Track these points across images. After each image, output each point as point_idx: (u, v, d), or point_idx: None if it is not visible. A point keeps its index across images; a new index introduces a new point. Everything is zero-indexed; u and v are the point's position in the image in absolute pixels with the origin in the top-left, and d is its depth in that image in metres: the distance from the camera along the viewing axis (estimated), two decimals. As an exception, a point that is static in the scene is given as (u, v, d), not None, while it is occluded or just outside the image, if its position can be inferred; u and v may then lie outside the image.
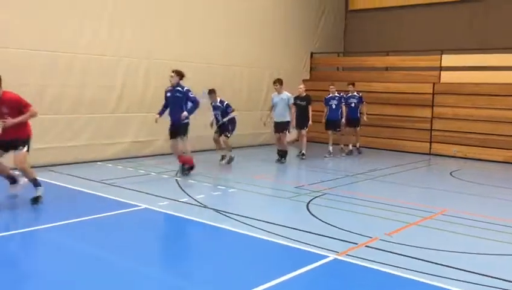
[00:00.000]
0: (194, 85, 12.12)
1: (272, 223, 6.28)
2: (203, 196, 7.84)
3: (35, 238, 5.75)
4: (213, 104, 10.85)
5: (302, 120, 12.02)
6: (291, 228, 6.17)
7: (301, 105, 11.96)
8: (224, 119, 10.77)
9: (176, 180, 9.05)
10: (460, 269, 4.88)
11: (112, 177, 8.99)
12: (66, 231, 5.97)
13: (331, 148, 12.85)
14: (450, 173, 11.01)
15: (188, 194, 7.86)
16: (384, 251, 5.38)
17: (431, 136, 14.11)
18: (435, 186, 9.72)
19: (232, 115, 10.85)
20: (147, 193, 7.88)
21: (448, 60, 14.15)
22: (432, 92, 14.09)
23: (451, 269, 4.90)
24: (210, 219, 6.50)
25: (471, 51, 13.97)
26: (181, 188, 8.42)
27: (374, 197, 8.10)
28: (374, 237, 5.83)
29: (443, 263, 5.03)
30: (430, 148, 14.08)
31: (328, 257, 5.12)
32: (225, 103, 10.90)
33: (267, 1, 14.67)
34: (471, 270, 4.85)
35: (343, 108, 12.97)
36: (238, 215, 6.67)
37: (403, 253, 5.31)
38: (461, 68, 14.02)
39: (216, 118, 10.88)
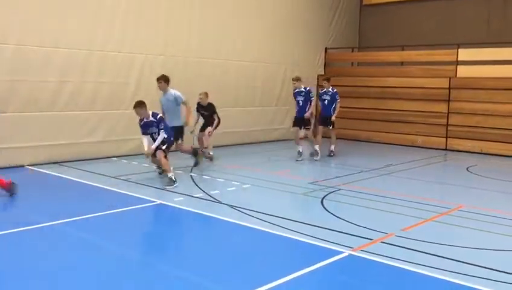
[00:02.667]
0: (209, 81, 12.22)
1: (286, 219, 6.28)
2: (218, 191, 7.87)
3: (53, 233, 5.81)
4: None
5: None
6: (306, 223, 6.16)
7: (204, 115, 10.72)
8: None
9: (191, 175, 9.09)
10: (476, 265, 4.83)
11: (127, 173, 9.06)
12: (82, 226, 6.03)
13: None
14: (467, 169, 10.88)
15: (202, 190, 7.89)
16: (399, 246, 5.34)
17: (447, 131, 13.95)
18: (451, 182, 9.62)
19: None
20: (161, 189, 7.93)
21: (465, 54, 13.96)
22: (448, 86, 13.92)
23: (468, 265, 4.85)
24: (224, 215, 6.51)
25: (488, 45, 13.77)
26: (195, 183, 8.45)
27: (389, 192, 8.04)
28: (389, 233, 5.80)
29: (459, 259, 4.98)
30: (446, 143, 13.93)
31: (342, 252, 5.11)
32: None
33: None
34: (488, 267, 4.79)
35: (311, 104, 11.20)
36: (252, 210, 6.67)
37: (418, 249, 5.27)
38: (478, 62, 13.81)
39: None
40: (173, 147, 9.10)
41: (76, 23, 9.97)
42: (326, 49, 16.58)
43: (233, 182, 8.62)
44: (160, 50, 11.51)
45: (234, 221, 6.25)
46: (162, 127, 8.32)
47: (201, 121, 10.77)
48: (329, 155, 11.80)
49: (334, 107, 11.79)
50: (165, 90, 9.28)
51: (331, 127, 11.80)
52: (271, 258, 5.07)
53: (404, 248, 5.31)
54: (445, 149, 13.82)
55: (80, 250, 5.19)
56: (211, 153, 10.78)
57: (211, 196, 7.50)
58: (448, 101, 13.90)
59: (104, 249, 5.26)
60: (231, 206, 6.97)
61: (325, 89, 11.99)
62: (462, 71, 13.93)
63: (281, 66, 14.75)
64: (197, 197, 7.43)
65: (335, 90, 11.90)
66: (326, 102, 11.82)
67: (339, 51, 16.95)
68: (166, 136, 8.38)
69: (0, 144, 9.02)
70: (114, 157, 10.64)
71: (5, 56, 9.03)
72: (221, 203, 7.15)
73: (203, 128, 10.73)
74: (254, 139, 13.93)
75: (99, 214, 6.49)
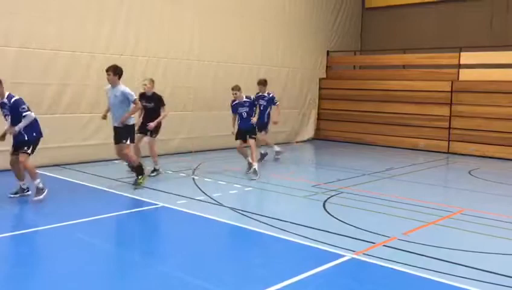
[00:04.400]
0: (213, 84, 12.24)
1: (288, 222, 6.28)
2: (220, 194, 7.87)
3: (54, 236, 5.82)
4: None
5: None
6: (308, 226, 6.16)
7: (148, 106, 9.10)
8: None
9: (193, 178, 9.10)
10: (478, 269, 4.83)
11: (129, 175, 9.06)
12: (84, 228, 6.04)
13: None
14: (469, 172, 10.88)
15: (204, 193, 7.90)
16: (402, 250, 5.34)
17: (449, 135, 13.95)
18: (453, 185, 9.62)
19: None
20: (164, 191, 7.94)
21: (467, 57, 13.97)
22: (450, 90, 13.92)
23: (470, 268, 4.85)
24: (227, 218, 6.52)
25: (490, 49, 13.77)
26: (198, 186, 8.46)
27: (391, 196, 8.05)
28: (391, 237, 5.80)
29: (461, 263, 4.99)
30: (449, 146, 13.92)
31: (344, 256, 5.11)
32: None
33: (282, 0, 14.63)
34: (490, 270, 4.79)
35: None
36: (254, 213, 6.68)
37: (420, 253, 5.27)
38: (480, 66, 13.83)
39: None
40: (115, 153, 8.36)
41: (78, 26, 10.01)
42: (328, 52, 16.60)
43: (235, 185, 8.63)
44: (163, 53, 11.53)
45: (236, 224, 6.26)
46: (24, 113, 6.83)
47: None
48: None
49: (269, 113, 11.02)
50: (113, 84, 7.93)
51: (263, 133, 10.92)
52: (273, 261, 5.07)
53: (406, 251, 5.31)
54: (447, 152, 13.82)
55: (82, 251, 5.20)
56: (157, 168, 9.21)
57: (213, 199, 7.51)
58: (451, 104, 13.90)
59: (106, 251, 5.27)
60: (233, 209, 6.97)
61: (260, 93, 11.04)
62: (464, 74, 13.94)
63: (283, 69, 14.77)
64: (199, 200, 7.44)
65: (271, 95, 11.10)
66: (261, 107, 10.85)
67: (341, 54, 16.98)
68: (24, 134, 6.92)
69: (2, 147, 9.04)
70: (115, 160, 10.65)
71: (8, 58, 9.08)
72: (223, 206, 7.16)
73: (142, 129, 8.94)
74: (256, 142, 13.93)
75: (102, 216, 6.50)
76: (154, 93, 9.06)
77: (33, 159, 7.34)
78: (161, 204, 7.13)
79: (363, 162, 11.85)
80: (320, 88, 16.40)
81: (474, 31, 15.05)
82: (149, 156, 9.26)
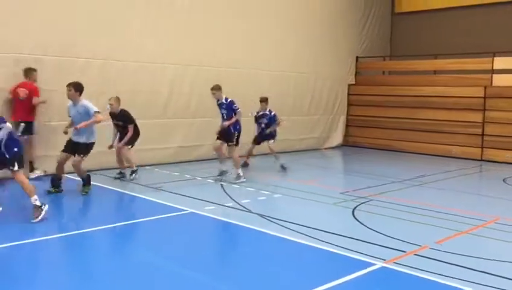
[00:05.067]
0: (241, 92, 12.26)
1: (317, 229, 6.23)
2: (248, 200, 7.87)
3: (86, 240, 5.92)
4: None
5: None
6: (337, 234, 6.09)
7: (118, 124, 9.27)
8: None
9: (221, 185, 9.13)
10: (515, 280, 4.68)
11: (158, 181, 9.16)
12: (115, 233, 6.12)
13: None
14: (503, 180, 10.59)
15: (233, 199, 7.91)
16: (433, 259, 5.23)
17: (482, 142, 13.62)
18: (487, 194, 9.38)
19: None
20: (193, 197, 7.99)
21: (500, 62, 13.64)
22: (483, 95, 13.61)
23: (504, 279, 4.71)
24: (255, 224, 6.51)
25: (525, 53, 13.43)
26: (226, 193, 8.48)
27: (423, 203, 7.89)
28: (423, 245, 5.68)
29: (495, 273, 4.84)
30: (482, 154, 13.59)
31: (374, 264, 5.03)
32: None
33: (311, 5, 14.60)
34: (527, 282, 4.64)
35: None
36: (282, 220, 6.65)
37: (453, 262, 5.14)
38: (515, 71, 13.49)
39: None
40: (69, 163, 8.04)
41: (126, 37, 10.40)
42: (357, 58, 16.47)
43: (263, 191, 8.62)
44: (192, 61, 11.61)
45: (265, 231, 6.24)
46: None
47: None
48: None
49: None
50: (74, 100, 7.72)
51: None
52: (302, 269, 5.03)
53: (438, 260, 5.20)
54: (481, 160, 13.48)
55: (112, 257, 5.27)
56: (133, 175, 9.28)
57: (241, 205, 7.52)
58: (484, 110, 13.58)
59: (135, 256, 5.32)
60: (261, 215, 6.96)
61: (262, 112, 11.13)
62: (498, 80, 13.61)
63: (311, 75, 14.71)
64: (228, 207, 7.46)
65: (273, 113, 11.19)
66: (263, 125, 11.15)
67: (370, 60, 16.82)
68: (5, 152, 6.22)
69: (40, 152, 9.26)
70: (146, 166, 10.78)
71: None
72: (251, 212, 7.16)
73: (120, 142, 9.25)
74: (284, 149, 13.90)
75: (131, 222, 6.59)
76: (122, 111, 9.12)
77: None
78: (189, 210, 7.17)
79: (393, 169, 11.68)
80: (349, 94, 16.27)
81: (508, 36, 14.69)
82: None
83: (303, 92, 14.60)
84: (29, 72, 8.96)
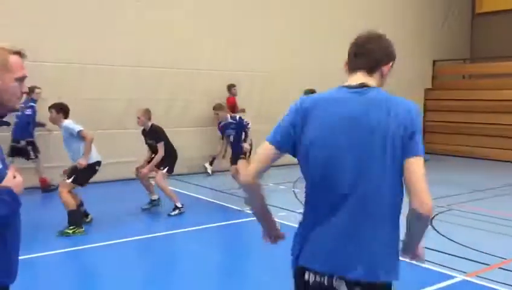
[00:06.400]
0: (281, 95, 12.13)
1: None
2: (321, 208, 7.75)
3: (163, 243, 6.10)
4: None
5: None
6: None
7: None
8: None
9: (293, 191, 9.08)
10: None
11: (230, 187, 9.27)
12: (191, 237, 6.26)
13: None
14: None
15: (305, 206, 7.83)
16: (521, 274, 4.89)
17: None
18: None
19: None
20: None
21: None
22: None
23: None
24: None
25: None
26: (298, 199, 8.43)
27: (508, 215, 7.41)
28: (508, 259, 5.33)
29: None
30: None
31: (455, 277, 4.78)
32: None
33: (385, 6, 14.23)
34: None
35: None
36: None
37: (544, 278, 4.77)
38: None
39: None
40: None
41: (181, 45, 10.52)
42: (434, 61, 15.84)
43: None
44: (254, 67, 11.64)
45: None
46: None
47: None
48: None
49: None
50: (57, 123, 6.55)
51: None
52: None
53: (527, 276, 4.85)
54: None
55: (185, 260, 5.38)
56: (175, 212, 7.31)
57: (313, 212, 7.42)
58: None
59: (210, 259, 5.40)
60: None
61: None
62: None
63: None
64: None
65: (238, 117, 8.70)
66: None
67: (448, 63, 16.11)
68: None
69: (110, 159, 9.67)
70: (218, 172, 10.95)
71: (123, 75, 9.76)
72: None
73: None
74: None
75: (204, 226, 6.70)
76: (153, 126, 7.46)
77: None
78: (261, 216, 7.17)
79: (475, 177, 11.07)
80: (425, 99, 15.68)
81: None
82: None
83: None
84: None
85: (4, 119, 2.06)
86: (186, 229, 6.54)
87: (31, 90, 8.23)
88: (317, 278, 2.05)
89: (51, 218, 6.80)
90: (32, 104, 8.53)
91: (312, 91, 8.72)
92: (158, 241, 6.17)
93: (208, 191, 9.16)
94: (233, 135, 8.34)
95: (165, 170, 7.38)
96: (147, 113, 7.40)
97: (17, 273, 1.98)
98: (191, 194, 8.84)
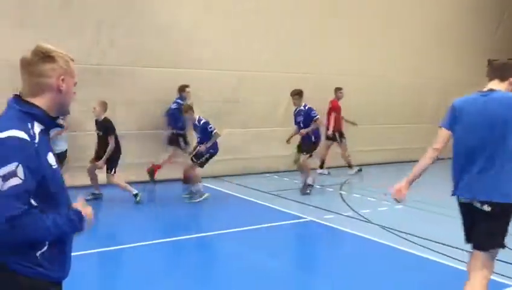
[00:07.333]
0: (366, 98, 11.97)
1: (444, 245, 5.82)
2: (369, 210, 7.64)
3: (210, 243, 6.17)
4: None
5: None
6: (468, 250, 5.62)
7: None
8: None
9: (340, 194, 8.97)
10: None
11: (278, 188, 9.27)
12: (237, 238, 6.30)
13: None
14: None
15: (352, 209, 7.73)
16: None
17: None
18: None
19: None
20: (312, 205, 7.95)
21: None
22: None
23: None
24: (376, 236, 6.28)
25: None
26: (345, 202, 8.32)
27: None
28: None
29: None
30: None
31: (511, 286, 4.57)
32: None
33: (439, 5, 13.82)
34: None
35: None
36: (405, 233, 6.34)
37: None
38: None
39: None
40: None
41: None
42: (489, 61, 15.16)
43: (384, 202, 8.30)
44: (313, 69, 11.59)
45: (386, 243, 5.99)
46: None
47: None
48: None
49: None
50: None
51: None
52: (427, 286, 4.73)
53: None
54: None
55: (231, 261, 5.41)
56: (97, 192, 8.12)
57: (361, 215, 7.31)
58: None
59: (255, 261, 5.41)
60: (382, 227, 6.70)
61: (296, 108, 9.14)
62: None
63: (436, 81, 13.88)
64: (347, 216, 7.30)
65: (308, 107, 8.96)
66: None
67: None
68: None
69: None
70: (267, 173, 10.96)
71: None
72: (371, 223, 6.92)
73: (96, 157, 7.94)
74: (410, 158, 13.28)
75: (252, 227, 6.72)
76: (105, 119, 7.86)
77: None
78: (309, 218, 7.14)
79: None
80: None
81: None
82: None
83: (426, 98, 13.86)
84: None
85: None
86: (236, 229, 6.59)
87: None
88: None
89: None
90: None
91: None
92: (209, 241, 6.24)
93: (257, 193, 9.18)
94: (302, 120, 8.75)
95: (113, 171, 7.82)
96: (104, 105, 7.80)
97: (70, 269, 2.10)
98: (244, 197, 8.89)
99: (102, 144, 7.78)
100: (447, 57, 14.00)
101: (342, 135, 11.13)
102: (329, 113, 10.96)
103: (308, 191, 8.49)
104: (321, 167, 11.20)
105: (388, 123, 13.02)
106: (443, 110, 13.06)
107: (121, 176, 8.04)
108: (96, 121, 7.87)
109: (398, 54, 12.99)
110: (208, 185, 9.54)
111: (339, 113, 11.06)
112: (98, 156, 7.86)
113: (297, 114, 9.00)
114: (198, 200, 8.11)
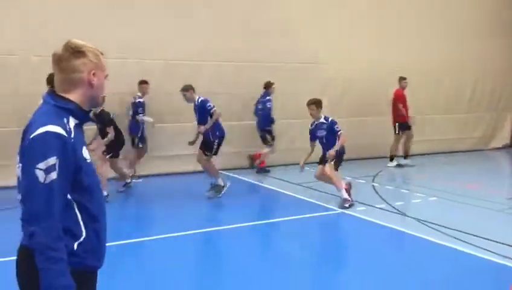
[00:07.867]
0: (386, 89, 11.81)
1: (480, 238, 5.70)
2: (402, 203, 7.55)
3: (243, 233, 6.21)
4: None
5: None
6: (505, 244, 5.51)
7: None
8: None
9: (373, 185, 8.87)
10: None
11: (308, 180, 9.22)
12: (269, 229, 6.33)
13: None
14: None
15: (385, 201, 7.64)
16: None
17: None
18: None
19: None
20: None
21: None
22: None
23: None
24: (410, 228, 6.21)
25: None
26: (378, 194, 8.23)
27: None
28: None
29: None
30: None
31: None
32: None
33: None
34: None
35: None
36: (440, 225, 6.23)
37: None
38: None
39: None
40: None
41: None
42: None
43: (418, 194, 8.18)
44: (337, 59, 11.44)
45: (421, 236, 5.90)
46: None
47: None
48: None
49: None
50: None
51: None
52: (461, 279, 4.66)
53: None
54: None
55: (264, 251, 5.44)
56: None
57: (394, 208, 7.22)
58: None
59: (286, 252, 5.43)
60: (416, 219, 6.60)
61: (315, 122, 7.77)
62: None
63: (470, 69, 13.47)
64: (380, 208, 7.22)
65: (331, 120, 7.59)
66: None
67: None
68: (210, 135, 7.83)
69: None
70: (292, 164, 10.89)
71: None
72: (405, 215, 6.84)
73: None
74: (442, 149, 13.03)
75: (284, 219, 6.74)
76: (102, 111, 7.71)
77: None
78: (341, 210, 7.10)
79: None
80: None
81: None
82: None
83: (461, 88, 13.52)
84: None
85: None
86: (267, 221, 6.61)
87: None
88: None
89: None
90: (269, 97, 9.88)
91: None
92: (242, 232, 6.30)
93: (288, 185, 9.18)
94: (325, 135, 7.56)
95: (108, 156, 7.86)
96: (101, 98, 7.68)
97: (104, 259, 2.15)
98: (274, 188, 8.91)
99: (102, 136, 7.82)
100: (482, 50, 13.57)
101: (405, 127, 10.99)
102: (394, 104, 10.92)
103: (347, 205, 7.17)
104: (405, 157, 11.19)
105: (426, 113, 12.74)
106: (476, 99, 12.79)
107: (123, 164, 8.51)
108: (94, 114, 7.68)
109: (429, 47, 12.68)
110: (240, 178, 9.59)
111: (403, 102, 10.91)
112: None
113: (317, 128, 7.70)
114: (220, 195, 7.91)
